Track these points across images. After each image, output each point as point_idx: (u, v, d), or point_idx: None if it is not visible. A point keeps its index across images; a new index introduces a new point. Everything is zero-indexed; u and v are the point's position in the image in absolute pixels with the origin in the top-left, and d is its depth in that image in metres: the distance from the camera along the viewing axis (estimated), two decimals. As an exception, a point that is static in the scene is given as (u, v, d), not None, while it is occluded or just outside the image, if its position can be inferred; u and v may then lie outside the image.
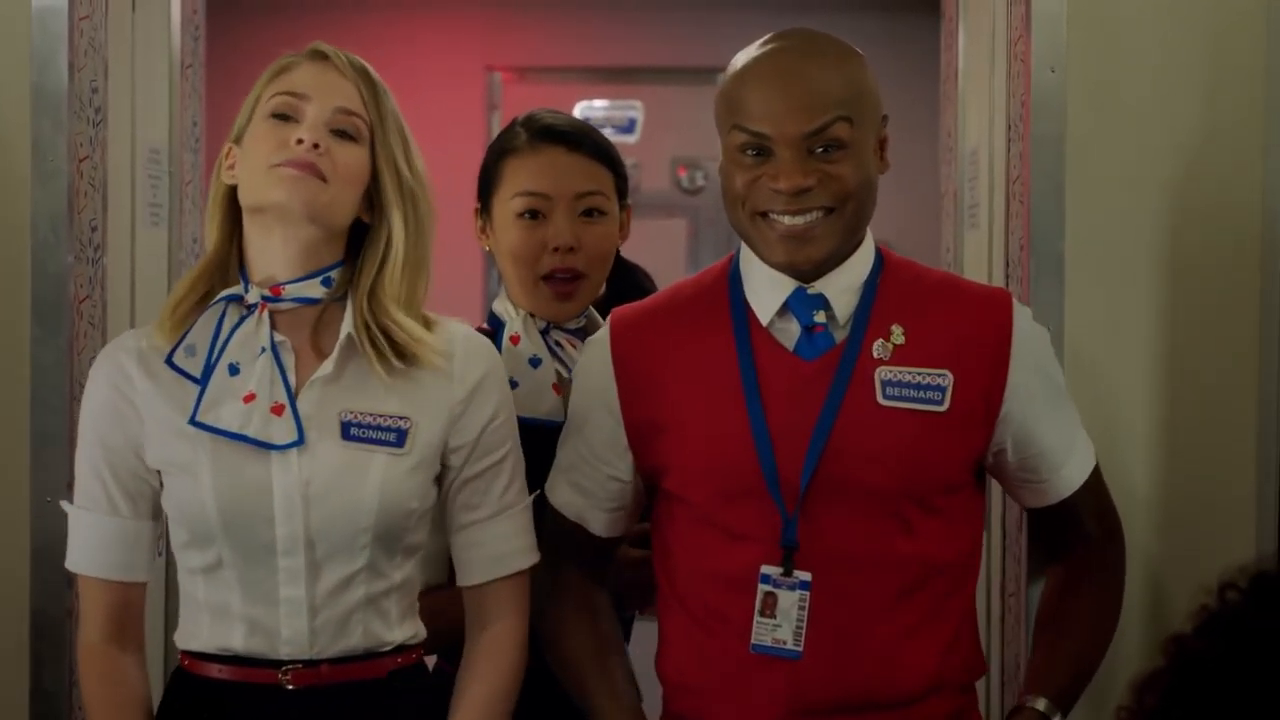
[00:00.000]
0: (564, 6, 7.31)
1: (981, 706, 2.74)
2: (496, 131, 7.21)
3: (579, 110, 7.11)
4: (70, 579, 3.11)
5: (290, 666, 2.40)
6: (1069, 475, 2.58)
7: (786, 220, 2.39)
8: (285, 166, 2.35)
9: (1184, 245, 3.06)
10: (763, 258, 2.44)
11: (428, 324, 2.46)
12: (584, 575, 2.62)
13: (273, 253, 2.41)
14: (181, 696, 2.45)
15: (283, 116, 2.39)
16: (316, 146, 2.36)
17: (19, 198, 3.11)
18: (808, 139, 2.37)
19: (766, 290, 2.46)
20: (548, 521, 2.59)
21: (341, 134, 2.39)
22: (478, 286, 7.34)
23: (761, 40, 2.46)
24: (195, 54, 3.95)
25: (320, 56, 2.43)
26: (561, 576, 2.59)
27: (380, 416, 2.41)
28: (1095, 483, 2.63)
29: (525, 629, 2.51)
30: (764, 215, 2.40)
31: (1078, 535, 2.64)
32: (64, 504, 2.51)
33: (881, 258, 2.49)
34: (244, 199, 2.40)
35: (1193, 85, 3.08)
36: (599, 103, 7.18)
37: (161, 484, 2.44)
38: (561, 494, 2.59)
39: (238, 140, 2.43)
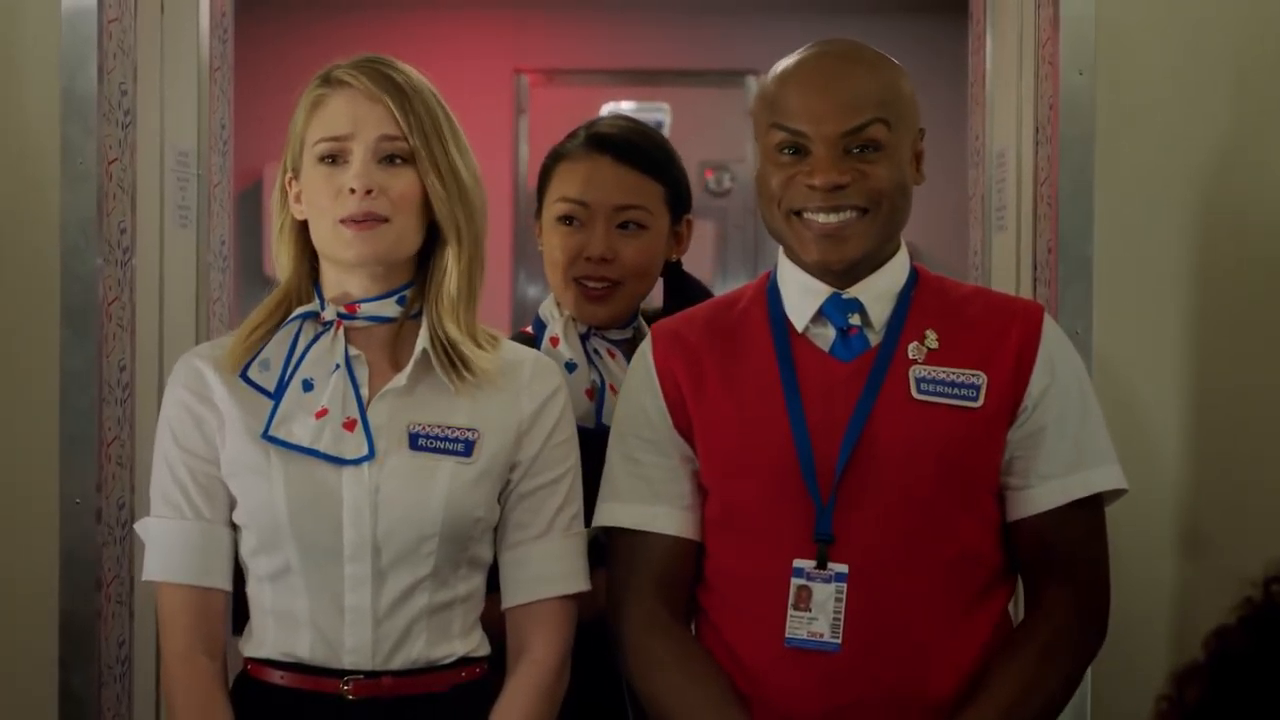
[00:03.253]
0: (592, 9, 7.31)
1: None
2: (524, 134, 7.24)
3: (606, 113, 7.10)
4: (99, 581, 3.12)
5: (352, 677, 2.40)
6: (1056, 488, 2.44)
7: (821, 219, 2.40)
8: (348, 226, 2.40)
9: (1213, 247, 3.06)
10: (798, 257, 2.45)
11: (491, 340, 2.50)
12: (664, 608, 2.50)
13: (348, 281, 2.46)
14: (243, 701, 2.46)
15: (331, 159, 2.42)
16: (370, 192, 2.39)
17: (49, 200, 3.12)
18: (845, 138, 2.39)
19: (801, 298, 2.47)
20: (612, 558, 2.54)
21: (390, 159, 2.42)
22: (504, 289, 7.35)
23: (804, 47, 2.48)
24: (223, 56, 3.96)
25: (346, 85, 2.44)
26: (642, 616, 2.49)
27: (448, 428, 2.43)
28: (1090, 520, 2.48)
29: (566, 655, 2.49)
30: (799, 215, 2.42)
31: (1051, 578, 2.45)
32: (137, 525, 2.50)
33: (915, 271, 2.50)
34: (318, 246, 2.46)
35: (1221, 87, 3.07)
36: (626, 105, 7.17)
37: (231, 494, 2.45)
38: (620, 512, 2.53)
39: (295, 172, 2.46)
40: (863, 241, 2.42)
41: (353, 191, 2.39)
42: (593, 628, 2.55)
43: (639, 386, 2.53)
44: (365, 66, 2.44)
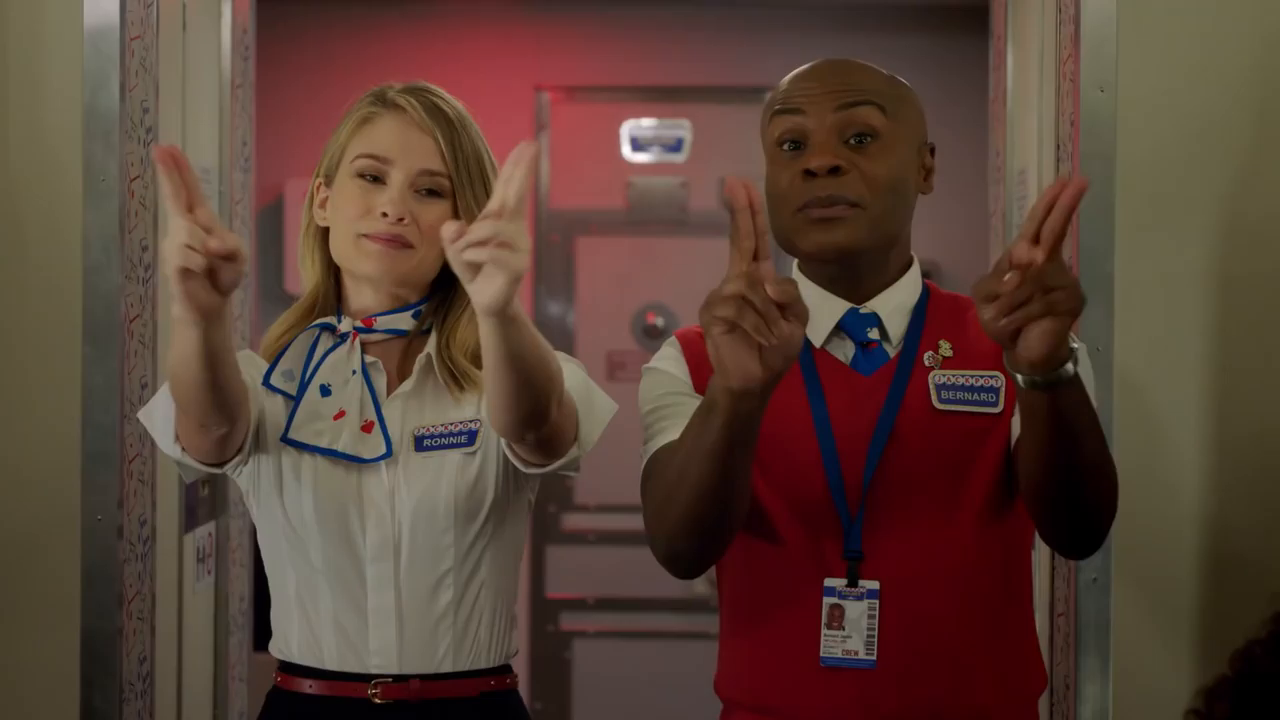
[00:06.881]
0: (613, 26, 7.31)
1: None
2: (545, 151, 7.24)
3: (627, 130, 7.11)
4: (120, 598, 3.12)
5: (379, 681, 2.42)
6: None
7: (818, 210, 2.41)
8: (372, 241, 2.43)
9: (1234, 264, 3.05)
10: (798, 250, 2.45)
11: None
12: None
13: (367, 296, 2.49)
14: (276, 714, 2.47)
15: (369, 177, 2.45)
16: (402, 220, 2.43)
17: (71, 217, 3.13)
18: (839, 113, 2.41)
19: (818, 313, 2.47)
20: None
21: (426, 192, 2.45)
22: (525, 306, 7.34)
23: None
24: (245, 74, 3.97)
25: (398, 109, 2.46)
26: None
27: (451, 424, 2.46)
28: None
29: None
30: (803, 212, 2.42)
31: None
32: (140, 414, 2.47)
33: (927, 289, 2.51)
34: (335, 256, 2.48)
35: (1243, 104, 3.07)
36: (647, 122, 7.17)
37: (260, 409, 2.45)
38: (674, 430, 2.40)
39: (327, 179, 2.48)
40: (855, 231, 2.41)
41: (384, 215, 2.41)
42: None
43: (670, 371, 2.50)
44: (419, 93, 2.48)
